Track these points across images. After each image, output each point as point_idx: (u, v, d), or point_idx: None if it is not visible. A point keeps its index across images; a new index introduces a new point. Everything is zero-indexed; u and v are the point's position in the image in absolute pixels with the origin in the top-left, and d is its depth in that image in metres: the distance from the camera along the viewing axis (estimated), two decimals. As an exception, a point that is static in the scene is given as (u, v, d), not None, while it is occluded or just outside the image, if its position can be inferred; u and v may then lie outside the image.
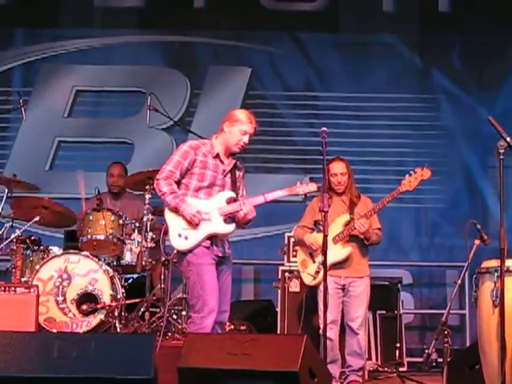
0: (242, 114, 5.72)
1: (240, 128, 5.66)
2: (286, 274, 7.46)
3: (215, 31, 9.50)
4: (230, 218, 5.68)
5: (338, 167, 6.62)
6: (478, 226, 5.58)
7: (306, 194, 5.78)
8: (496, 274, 4.90)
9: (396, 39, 9.54)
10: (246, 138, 5.68)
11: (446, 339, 5.28)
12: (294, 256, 7.30)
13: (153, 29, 9.64)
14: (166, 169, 5.65)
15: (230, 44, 9.55)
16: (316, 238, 6.50)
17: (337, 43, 9.58)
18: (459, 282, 5.58)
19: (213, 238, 5.63)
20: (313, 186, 5.75)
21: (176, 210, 5.60)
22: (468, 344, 8.33)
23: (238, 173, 5.79)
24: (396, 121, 9.34)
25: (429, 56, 9.56)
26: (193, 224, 5.57)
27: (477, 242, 5.54)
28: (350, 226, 6.47)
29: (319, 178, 5.98)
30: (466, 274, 5.65)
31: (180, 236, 5.60)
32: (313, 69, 9.59)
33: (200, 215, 5.56)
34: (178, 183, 5.67)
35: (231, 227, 5.67)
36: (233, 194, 5.70)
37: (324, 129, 5.69)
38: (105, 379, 4.89)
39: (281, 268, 7.57)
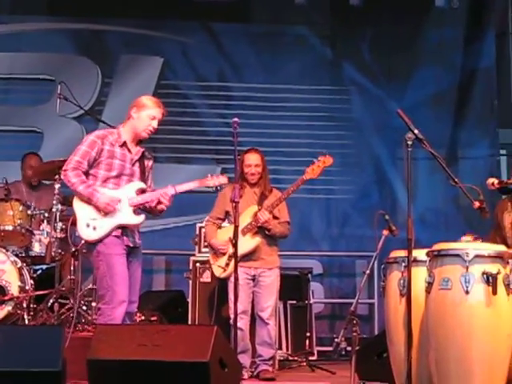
0: (149, 100, 5.71)
1: (148, 113, 5.62)
2: (197, 264, 7.45)
3: (126, 20, 9.41)
4: (139, 208, 5.64)
5: (252, 158, 6.66)
6: (387, 217, 5.68)
7: (216, 187, 5.78)
8: (403, 263, 4.96)
9: (307, 31, 9.61)
10: (154, 123, 5.64)
11: (354, 328, 5.36)
12: (206, 246, 7.30)
13: (63, 16, 9.47)
14: (74, 159, 5.56)
15: (142, 33, 9.47)
16: (220, 240, 6.59)
17: (249, 34, 9.60)
18: (368, 271, 5.67)
19: (123, 228, 5.57)
20: (223, 179, 5.75)
21: (87, 200, 5.52)
22: (376, 333, 8.47)
23: (146, 162, 5.74)
24: (307, 112, 9.41)
25: (339, 48, 9.67)
26: (107, 213, 5.49)
27: (385, 232, 5.65)
28: (256, 218, 6.52)
29: (231, 168, 5.98)
30: (375, 263, 5.75)
31: (88, 226, 5.52)
32: (225, 59, 9.59)
33: (114, 204, 5.50)
34: (86, 174, 5.59)
35: (140, 218, 5.62)
36: (143, 185, 5.64)
37: (235, 119, 5.69)
38: (12, 372, 4.82)
39: (192, 258, 7.56)
